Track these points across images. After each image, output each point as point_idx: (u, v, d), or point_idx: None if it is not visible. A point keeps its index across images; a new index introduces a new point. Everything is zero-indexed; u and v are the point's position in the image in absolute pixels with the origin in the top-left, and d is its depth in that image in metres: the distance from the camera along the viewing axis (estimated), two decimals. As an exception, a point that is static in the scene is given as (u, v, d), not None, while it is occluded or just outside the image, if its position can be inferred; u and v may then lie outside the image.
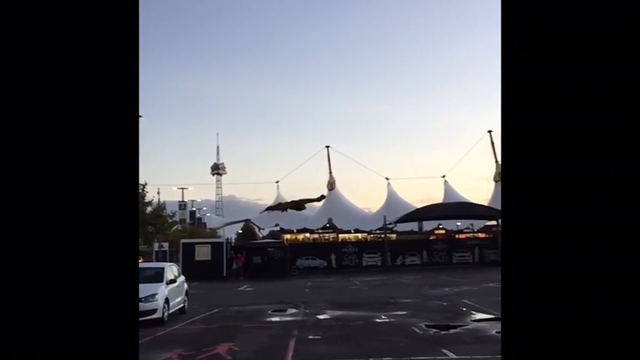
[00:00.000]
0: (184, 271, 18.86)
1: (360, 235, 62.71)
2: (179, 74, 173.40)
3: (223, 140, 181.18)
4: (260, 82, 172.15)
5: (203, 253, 32.36)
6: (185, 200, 56.17)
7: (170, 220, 44.71)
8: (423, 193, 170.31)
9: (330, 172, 75.58)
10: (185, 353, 8.68)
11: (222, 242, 36.70)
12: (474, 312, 13.07)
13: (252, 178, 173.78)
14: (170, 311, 12.82)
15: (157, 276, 13.01)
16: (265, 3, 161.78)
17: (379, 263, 37.87)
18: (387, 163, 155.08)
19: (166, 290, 12.75)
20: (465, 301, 15.53)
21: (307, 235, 66.16)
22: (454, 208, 46.77)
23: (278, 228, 61.53)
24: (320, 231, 66.71)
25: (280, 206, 46.94)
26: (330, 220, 67.66)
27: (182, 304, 14.25)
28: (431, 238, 53.02)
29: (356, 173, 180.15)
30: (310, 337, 10.13)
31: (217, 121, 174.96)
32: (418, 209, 46.39)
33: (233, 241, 45.74)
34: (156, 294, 12.05)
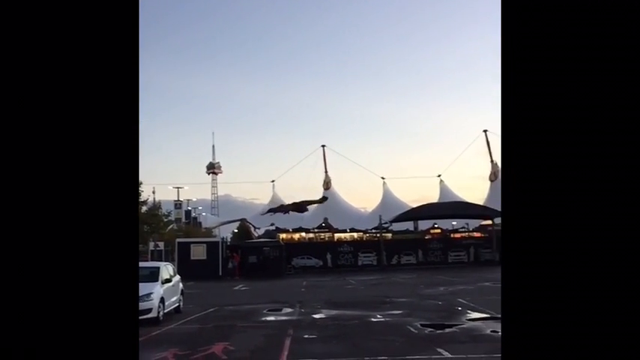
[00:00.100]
0: (180, 271, 18.78)
1: (355, 235, 62.72)
2: (174, 72, 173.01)
3: (219, 139, 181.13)
4: (256, 80, 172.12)
5: (199, 253, 32.30)
6: (180, 199, 56.16)
7: (165, 220, 44.65)
8: (418, 193, 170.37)
9: (326, 172, 75.75)
10: (180, 353, 8.65)
11: (218, 242, 36.61)
12: (469, 311, 13.10)
13: (247, 177, 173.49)
14: (165, 311, 12.79)
15: (153, 275, 12.98)
16: (260, 1, 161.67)
17: (375, 262, 37.93)
18: (382, 163, 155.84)
19: (162, 290, 12.71)
20: (460, 300, 15.57)
21: (303, 234, 66.13)
22: (449, 208, 46.96)
23: (274, 227, 61.48)
24: (316, 230, 66.72)
25: (282, 208, 46.93)
26: (325, 219, 67.72)
27: (177, 304, 14.22)
28: (426, 237, 53.08)
29: (352, 172, 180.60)
30: (306, 336, 10.12)
31: (213, 120, 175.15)
32: (414, 208, 46.54)
33: (229, 240, 45.68)
34: (151, 293, 12.01)
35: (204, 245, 33.70)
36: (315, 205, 53.76)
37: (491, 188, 70.09)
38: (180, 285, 15.13)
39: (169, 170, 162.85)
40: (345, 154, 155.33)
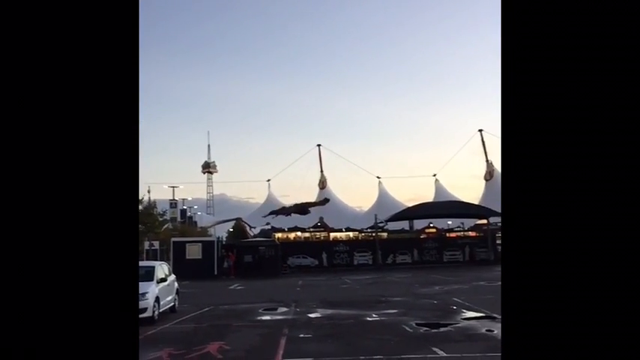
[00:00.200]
0: (175, 270, 18.77)
1: (351, 234, 62.74)
2: (170, 73, 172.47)
3: (214, 138, 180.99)
4: (251, 80, 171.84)
5: (194, 252, 32.21)
6: (176, 199, 55.94)
7: (161, 219, 44.50)
8: (413, 192, 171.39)
9: (322, 171, 75.68)
10: (175, 352, 8.62)
11: (213, 241, 36.56)
12: (464, 310, 13.13)
13: (243, 176, 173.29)
14: (160, 310, 12.75)
15: (148, 275, 12.92)
16: (257, 2, 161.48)
17: (370, 262, 37.95)
18: (378, 162, 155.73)
19: (157, 289, 12.68)
20: (455, 299, 15.61)
21: (298, 233, 66.04)
22: (445, 207, 46.98)
23: (269, 227, 61.36)
24: (311, 230, 66.63)
25: (284, 210, 46.66)
26: (321, 218, 67.62)
27: (173, 303, 14.18)
28: (422, 236, 53.19)
29: (347, 172, 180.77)
30: (301, 335, 10.12)
31: (208, 119, 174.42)
32: (409, 208, 46.53)
33: (224, 239, 45.57)
34: (146, 293, 11.97)
35: (200, 244, 33.61)
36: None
37: (487, 187, 70.21)
38: (176, 284, 15.10)
39: (164, 169, 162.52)
40: (341, 153, 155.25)
